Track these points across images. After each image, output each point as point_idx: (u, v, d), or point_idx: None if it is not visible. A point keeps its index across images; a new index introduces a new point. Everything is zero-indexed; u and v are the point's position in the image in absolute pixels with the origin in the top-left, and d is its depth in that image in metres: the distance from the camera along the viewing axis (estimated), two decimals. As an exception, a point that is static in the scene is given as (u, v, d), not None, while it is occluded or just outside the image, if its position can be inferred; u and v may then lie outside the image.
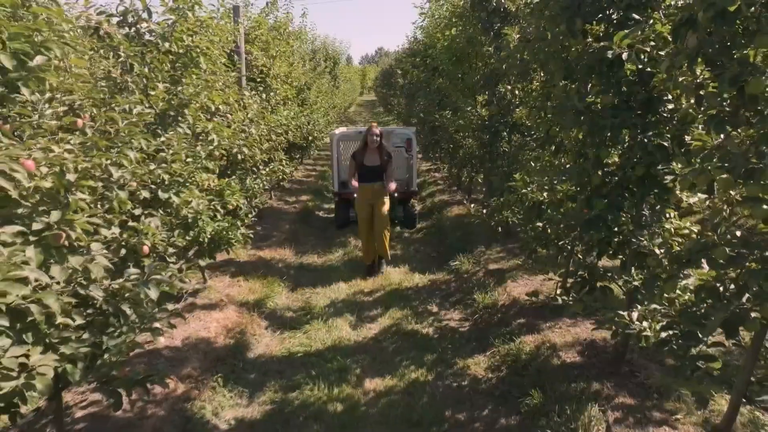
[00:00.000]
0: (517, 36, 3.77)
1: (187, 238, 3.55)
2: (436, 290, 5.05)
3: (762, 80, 1.72)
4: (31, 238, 1.82)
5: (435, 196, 9.08)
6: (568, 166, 3.18)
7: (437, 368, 3.53)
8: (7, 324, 1.53)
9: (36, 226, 1.87)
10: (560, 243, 3.67)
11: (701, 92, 1.98)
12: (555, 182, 3.27)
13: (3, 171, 1.74)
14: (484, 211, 5.77)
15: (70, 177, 1.97)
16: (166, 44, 3.30)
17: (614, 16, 2.72)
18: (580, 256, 3.42)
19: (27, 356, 1.72)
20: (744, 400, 2.26)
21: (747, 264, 1.94)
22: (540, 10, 3.01)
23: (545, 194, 3.39)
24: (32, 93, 1.86)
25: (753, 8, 1.71)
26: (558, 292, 3.77)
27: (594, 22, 2.72)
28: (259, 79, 6.45)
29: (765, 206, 1.81)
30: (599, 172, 2.84)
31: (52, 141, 2.03)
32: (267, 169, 6.05)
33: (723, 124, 1.91)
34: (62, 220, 1.91)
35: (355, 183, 5.16)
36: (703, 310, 2.11)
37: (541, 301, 4.00)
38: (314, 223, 7.77)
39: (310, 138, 9.21)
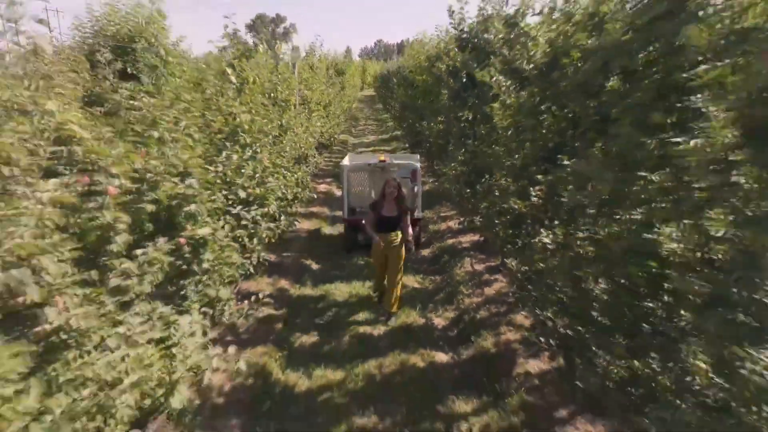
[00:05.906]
0: (446, 94, 7.76)
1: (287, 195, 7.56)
2: (411, 228, 9.06)
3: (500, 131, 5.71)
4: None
5: (418, 179, 13.09)
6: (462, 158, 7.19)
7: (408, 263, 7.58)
8: (264, 199, 5.55)
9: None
10: (465, 196, 7.67)
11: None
12: (457, 166, 7.26)
13: (262, 162, 5.75)
14: (437, 183, 9.77)
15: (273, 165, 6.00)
16: (283, 104, 7.28)
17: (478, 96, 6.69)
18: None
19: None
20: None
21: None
22: (446, 93, 6.99)
23: (453, 172, 7.38)
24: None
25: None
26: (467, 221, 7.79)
27: (468, 101, 6.69)
28: (304, 105, 10.41)
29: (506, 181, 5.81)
30: (474, 161, 6.84)
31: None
32: (313, 161, 10.04)
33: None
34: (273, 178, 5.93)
35: (376, 237, 5.50)
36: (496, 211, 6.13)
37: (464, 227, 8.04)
38: (337, 195, 11.77)
39: (332, 139, 13.20)
